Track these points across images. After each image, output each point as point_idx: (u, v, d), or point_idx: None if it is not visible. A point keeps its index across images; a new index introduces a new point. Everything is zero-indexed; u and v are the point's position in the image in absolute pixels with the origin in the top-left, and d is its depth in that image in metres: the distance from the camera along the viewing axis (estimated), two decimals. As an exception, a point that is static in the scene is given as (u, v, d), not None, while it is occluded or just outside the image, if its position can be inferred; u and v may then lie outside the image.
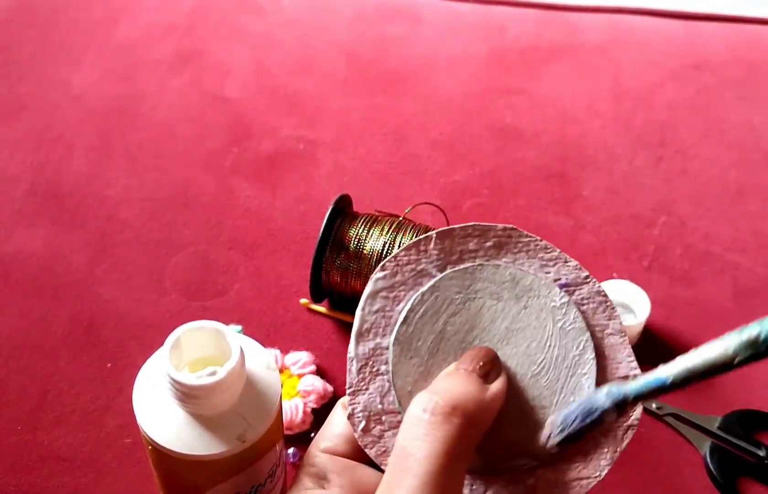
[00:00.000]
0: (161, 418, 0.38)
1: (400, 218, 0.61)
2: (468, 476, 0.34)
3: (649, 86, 0.89)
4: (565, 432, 0.32)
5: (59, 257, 0.67)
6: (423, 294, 0.35)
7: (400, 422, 0.34)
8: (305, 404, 0.56)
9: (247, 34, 0.94)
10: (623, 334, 0.35)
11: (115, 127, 0.80)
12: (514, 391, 0.34)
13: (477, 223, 0.36)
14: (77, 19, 0.95)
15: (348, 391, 0.35)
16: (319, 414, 0.56)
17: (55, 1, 0.97)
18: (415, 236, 0.59)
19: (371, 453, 0.34)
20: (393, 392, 0.34)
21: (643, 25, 0.99)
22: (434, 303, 0.35)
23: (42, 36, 0.92)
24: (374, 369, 0.35)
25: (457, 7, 1.00)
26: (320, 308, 0.63)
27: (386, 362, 0.35)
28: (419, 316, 0.35)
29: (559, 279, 0.36)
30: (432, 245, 0.36)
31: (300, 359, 0.59)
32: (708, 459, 0.54)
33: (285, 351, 0.60)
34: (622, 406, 0.30)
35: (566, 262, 0.36)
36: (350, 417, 0.35)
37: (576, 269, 0.36)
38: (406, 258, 0.36)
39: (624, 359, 0.35)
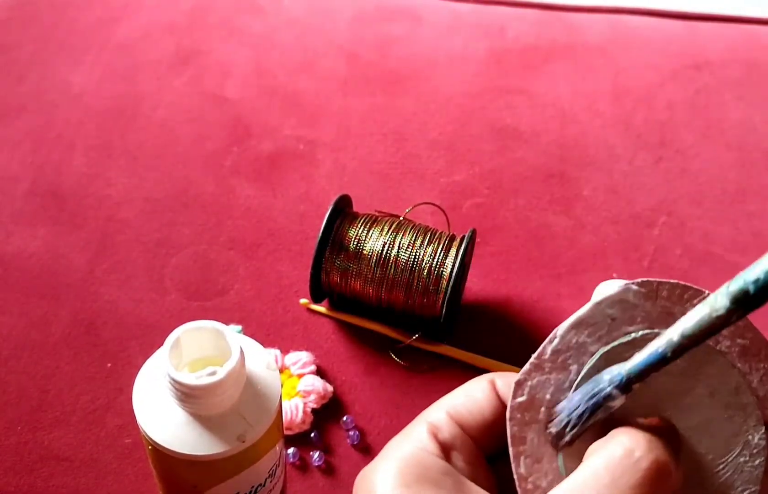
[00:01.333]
0: (161, 418, 0.38)
1: (400, 218, 0.61)
2: None
3: (649, 86, 0.89)
4: (574, 423, 0.30)
5: (59, 257, 0.67)
6: (658, 334, 0.31)
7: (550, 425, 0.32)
8: (305, 404, 0.56)
9: (247, 34, 0.94)
10: None
11: (115, 127, 0.80)
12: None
13: (751, 324, 0.33)
14: (77, 19, 0.95)
15: (532, 358, 0.32)
16: (319, 414, 0.56)
17: (55, 1, 0.97)
18: (415, 236, 0.59)
19: (511, 429, 0.31)
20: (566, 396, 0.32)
21: (643, 25, 0.99)
22: None
23: (42, 36, 0.92)
24: (567, 362, 0.32)
25: (457, 7, 1.00)
26: (320, 308, 0.63)
27: (581, 365, 0.32)
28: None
29: None
30: (696, 301, 0.33)
31: (300, 359, 0.59)
32: (708, 459, 0.54)
33: (285, 351, 0.60)
34: (627, 387, 0.29)
35: None
36: (518, 383, 0.32)
37: None
38: (666, 292, 0.33)
39: None
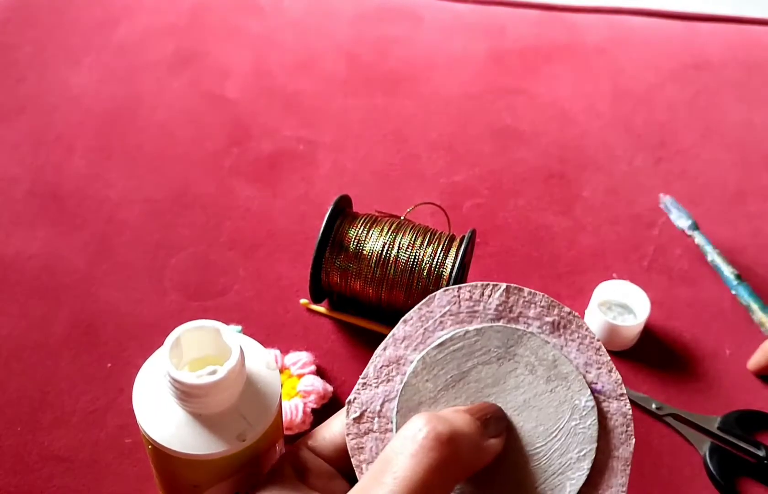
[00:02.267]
0: (161, 418, 0.38)
1: (400, 219, 0.61)
2: None
3: (648, 87, 0.89)
4: None
5: (59, 257, 0.67)
6: (467, 332, 0.36)
7: (386, 431, 0.35)
8: (305, 404, 0.56)
9: (247, 34, 0.94)
10: (628, 463, 0.35)
11: (115, 128, 0.80)
12: (506, 457, 0.35)
13: (547, 296, 0.36)
14: (77, 20, 0.95)
15: (360, 379, 0.36)
16: (319, 414, 0.56)
17: (55, 2, 0.97)
18: (414, 237, 0.59)
19: (350, 443, 0.35)
20: (396, 402, 0.35)
21: (643, 25, 0.99)
22: (472, 345, 0.36)
23: (42, 37, 0.92)
24: (391, 374, 0.36)
25: (457, 7, 1.00)
26: (320, 308, 0.63)
27: (404, 374, 0.36)
28: (453, 349, 0.36)
29: (596, 384, 0.36)
30: (497, 294, 0.37)
31: (300, 359, 0.59)
32: (708, 459, 0.54)
33: (285, 351, 0.60)
34: None
35: (610, 371, 0.36)
36: (350, 402, 0.35)
37: (616, 383, 0.36)
38: (468, 294, 0.36)
39: (617, 487, 0.35)
